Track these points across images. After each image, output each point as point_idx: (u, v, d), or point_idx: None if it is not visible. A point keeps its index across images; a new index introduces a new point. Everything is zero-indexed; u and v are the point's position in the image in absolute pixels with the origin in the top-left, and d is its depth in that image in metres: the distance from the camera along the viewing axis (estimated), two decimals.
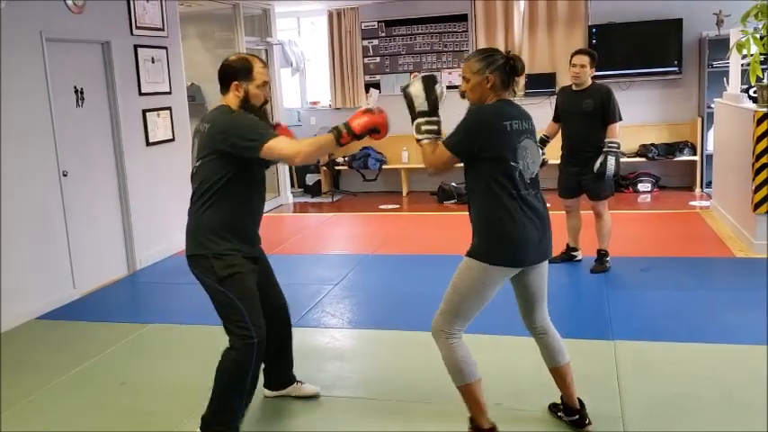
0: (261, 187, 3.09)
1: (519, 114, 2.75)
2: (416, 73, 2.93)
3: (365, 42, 9.60)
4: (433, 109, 2.76)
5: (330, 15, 9.58)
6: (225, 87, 2.94)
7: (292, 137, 3.10)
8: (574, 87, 5.17)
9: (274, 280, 3.33)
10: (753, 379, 3.43)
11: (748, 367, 3.58)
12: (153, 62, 6.29)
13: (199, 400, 3.45)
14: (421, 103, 2.76)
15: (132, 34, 6.06)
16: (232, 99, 2.92)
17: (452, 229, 7.30)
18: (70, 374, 3.91)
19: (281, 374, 3.46)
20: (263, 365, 3.18)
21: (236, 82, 2.89)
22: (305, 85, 10.30)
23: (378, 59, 9.62)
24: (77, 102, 5.50)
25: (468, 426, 2.91)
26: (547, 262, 2.91)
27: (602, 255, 5.28)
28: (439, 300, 4.88)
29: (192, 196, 2.98)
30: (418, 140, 2.79)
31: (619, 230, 5.75)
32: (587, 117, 5.06)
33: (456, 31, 9.29)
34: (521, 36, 9.00)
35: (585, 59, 5.09)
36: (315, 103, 10.19)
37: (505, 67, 2.74)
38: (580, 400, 3.04)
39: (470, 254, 2.79)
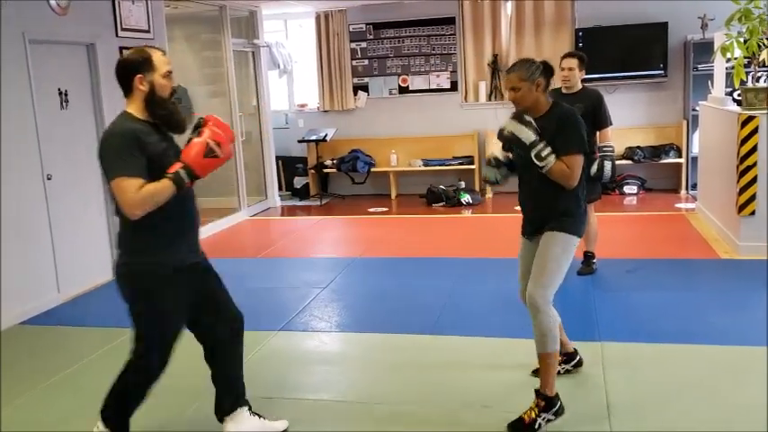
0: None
1: None
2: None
3: (353, 45, 9.60)
4: (538, 135, 3.00)
5: (318, 18, 9.57)
6: (127, 87, 2.75)
7: (224, 128, 2.76)
8: (564, 90, 5.14)
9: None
10: (739, 380, 3.46)
11: (735, 368, 3.60)
12: None
13: (185, 402, 3.44)
14: (527, 135, 3.01)
15: (117, 36, 6.02)
16: (137, 97, 2.74)
17: (441, 232, 7.32)
18: (55, 379, 3.87)
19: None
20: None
21: (139, 75, 2.71)
22: (292, 87, 10.28)
23: (366, 62, 9.62)
24: (62, 104, 5.46)
25: (536, 397, 3.09)
26: None
27: (588, 257, 5.29)
28: (426, 300, 4.92)
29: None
30: (544, 168, 3.02)
31: (605, 232, 5.78)
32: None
33: (444, 34, 9.31)
34: (508, 39, 9.04)
35: (574, 62, 5.06)
36: (302, 105, 10.17)
37: (545, 70, 3.11)
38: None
39: (566, 230, 3.11)
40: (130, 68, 2.74)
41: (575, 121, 3.07)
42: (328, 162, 9.62)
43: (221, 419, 3.10)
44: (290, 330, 4.48)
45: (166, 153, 2.71)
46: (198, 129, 2.74)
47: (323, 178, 9.75)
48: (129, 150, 2.61)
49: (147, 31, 6.44)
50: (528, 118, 3.04)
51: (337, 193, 9.76)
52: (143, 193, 2.58)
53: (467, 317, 4.57)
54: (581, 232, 3.17)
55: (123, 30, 6.08)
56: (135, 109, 2.76)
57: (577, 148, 3.04)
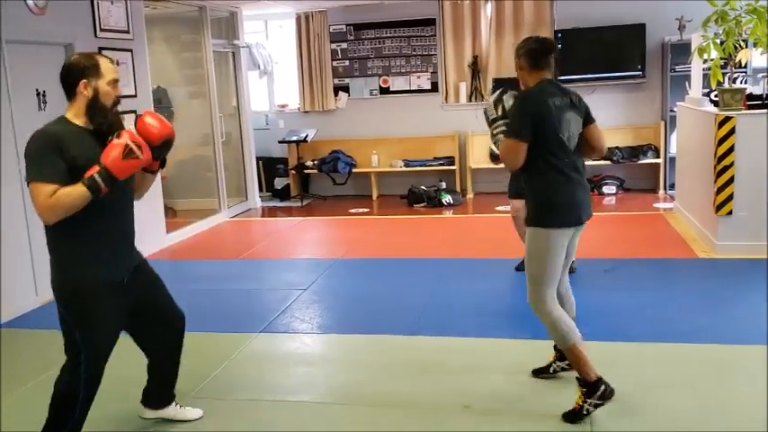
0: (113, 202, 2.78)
1: (560, 91, 3.10)
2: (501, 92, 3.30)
3: (334, 46, 9.59)
4: (503, 114, 3.15)
5: (298, 18, 9.55)
6: (71, 91, 2.73)
7: (160, 122, 2.78)
8: None
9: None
10: (719, 378, 3.50)
11: (714, 366, 3.64)
12: (118, 64, 6.19)
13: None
14: (492, 113, 3.20)
15: (96, 36, 5.97)
16: (79, 102, 2.72)
17: (422, 233, 7.33)
18: (33, 384, 3.82)
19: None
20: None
21: (84, 80, 2.69)
22: (273, 88, 10.25)
23: (347, 63, 9.61)
24: (39, 105, 5.39)
25: (577, 384, 3.13)
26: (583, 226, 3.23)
27: None
28: (408, 301, 4.94)
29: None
30: (495, 143, 3.18)
31: (583, 232, 5.77)
32: None
33: (424, 35, 9.33)
34: (488, 40, 9.08)
35: None
36: (283, 106, 10.14)
37: (532, 48, 3.13)
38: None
39: (537, 224, 3.10)
40: (76, 72, 2.71)
41: (513, 106, 3.10)
42: (309, 163, 9.61)
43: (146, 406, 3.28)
44: (272, 332, 4.47)
45: (98, 159, 2.63)
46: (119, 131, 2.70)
47: (304, 179, 9.73)
48: (48, 155, 2.60)
49: (127, 32, 6.39)
50: (507, 96, 3.15)
51: (318, 193, 9.75)
52: (54, 199, 2.56)
53: (448, 317, 4.59)
54: (558, 221, 3.08)
55: (102, 30, 6.03)
56: (73, 114, 2.74)
57: (510, 133, 3.04)
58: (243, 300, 5.17)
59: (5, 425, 3.40)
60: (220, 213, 8.39)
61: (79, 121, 2.73)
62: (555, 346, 3.42)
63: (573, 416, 3.12)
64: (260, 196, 9.51)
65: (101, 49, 5.99)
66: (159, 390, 3.26)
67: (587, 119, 3.20)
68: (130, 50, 6.43)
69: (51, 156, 2.60)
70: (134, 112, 6.39)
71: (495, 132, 3.13)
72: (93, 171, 2.58)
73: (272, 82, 10.24)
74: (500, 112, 3.15)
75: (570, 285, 3.42)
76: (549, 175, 3.06)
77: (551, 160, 3.05)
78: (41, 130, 2.70)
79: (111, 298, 2.80)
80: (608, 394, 3.10)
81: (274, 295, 5.21)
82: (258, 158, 9.54)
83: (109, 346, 2.87)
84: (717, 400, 3.28)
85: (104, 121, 2.73)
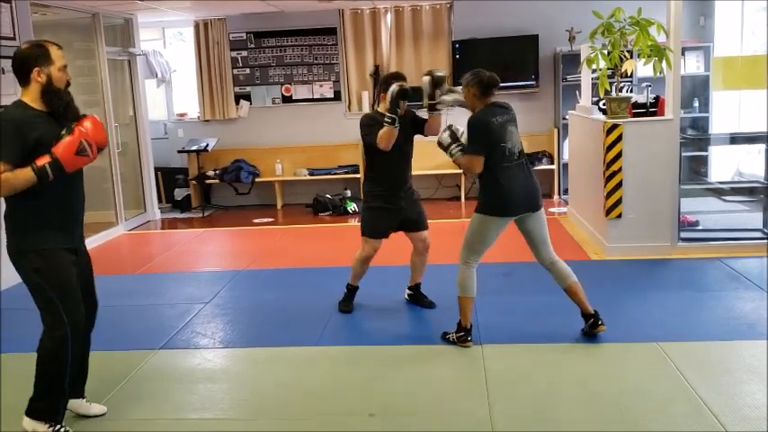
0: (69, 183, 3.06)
1: (501, 111, 3.95)
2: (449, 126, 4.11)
3: (234, 53, 9.45)
4: (454, 138, 4.00)
5: (197, 26, 9.35)
6: (24, 78, 2.94)
7: (99, 129, 3.05)
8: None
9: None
10: (610, 375, 3.68)
11: (605, 365, 3.82)
12: (4, 73, 5.88)
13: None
14: (446, 141, 4.01)
15: None
16: (33, 89, 2.94)
17: (328, 241, 7.32)
18: None
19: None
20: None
21: (37, 68, 2.91)
22: (171, 96, 9.99)
23: (248, 71, 9.49)
24: None
25: (456, 326, 4.08)
26: (541, 214, 4.05)
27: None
28: (313, 311, 4.93)
29: None
30: (454, 160, 4.01)
31: None
32: (408, 148, 4.63)
33: (326, 44, 9.34)
34: (388, 50, 9.19)
35: None
36: (182, 115, 9.90)
37: (481, 81, 3.97)
38: (595, 311, 4.07)
39: (475, 209, 3.97)
40: (29, 61, 2.93)
41: (472, 128, 3.89)
42: (210, 173, 9.41)
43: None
44: (171, 348, 4.33)
45: (59, 141, 2.89)
46: (72, 126, 2.94)
47: (205, 189, 9.52)
48: (8, 136, 2.81)
49: (13, 38, 6.06)
50: (454, 126, 4.10)
51: (220, 204, 9.56)
52: (3, 177, 2.78)
53: (353, 326, 4.60)
54: (487, 211, 3.90)
55: None
56: (30, 99, 2.94)
57: (468, 150, 3.92)
58: (141, 316, 4.99)
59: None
60: (118, 226, 8.09)
61: (36, 105, 2.94)
62: (581, 311, 4.13)
63: (443, 335, 4.15)
64: (159, 208, 9.22)
65: None
66: (79, 374, 3.33)
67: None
68: None
69: (12, 138, 2.82)
70: None
71: (453, 153, 3.96)
72: (45, 160, 2.83)
73: (171, 90, 9.98)
74: (452, 139, 3.97)
75: (557, 258, 4.17)
76: (494, 176, 3.85)
77: (492, 164, 3.83)
78: (4, 114, 2.91)
79: (68, 259, 3.05)
80: (464, 341, 4.03)
81: (174, 310, 5.06)
82: (157, 169, 9.26)
83: (76, 299, 3.06)
84: (608, 397, 3.43)
85: (61, 103, 2.97)
